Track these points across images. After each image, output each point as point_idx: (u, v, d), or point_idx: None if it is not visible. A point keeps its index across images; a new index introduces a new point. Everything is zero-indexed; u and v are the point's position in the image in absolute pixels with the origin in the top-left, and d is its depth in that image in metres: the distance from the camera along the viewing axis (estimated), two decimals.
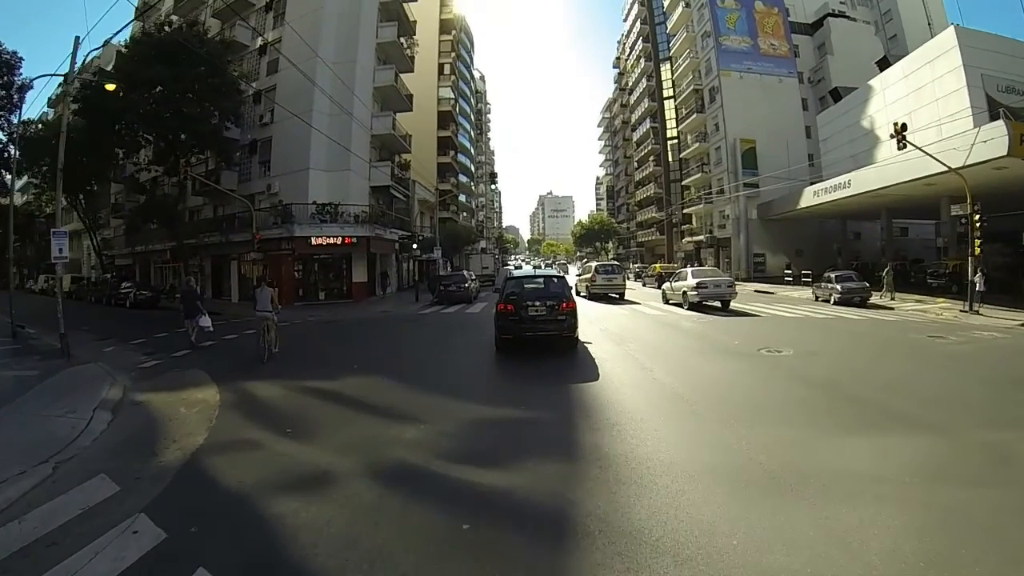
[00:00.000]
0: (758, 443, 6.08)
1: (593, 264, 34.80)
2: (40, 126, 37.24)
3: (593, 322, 18.21)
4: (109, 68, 32.29)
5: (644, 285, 43.95)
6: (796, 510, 4.46)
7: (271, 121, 32.25)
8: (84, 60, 19.09)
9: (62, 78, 25.47)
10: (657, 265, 49.67)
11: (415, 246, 33.33)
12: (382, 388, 9.62)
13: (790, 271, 39.82)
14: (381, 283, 35.48)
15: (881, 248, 36.93)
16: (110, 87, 23.64)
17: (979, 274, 20.56)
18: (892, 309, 22.74)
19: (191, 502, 5.08)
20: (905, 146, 20.15)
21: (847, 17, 54.94)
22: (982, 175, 21.81)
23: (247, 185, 33.15)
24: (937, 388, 8.77)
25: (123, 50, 30.35)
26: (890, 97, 34.89)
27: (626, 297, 29.17)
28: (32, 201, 57.51)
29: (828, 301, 25.48)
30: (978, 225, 20.57)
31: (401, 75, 38.70)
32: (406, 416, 7.59)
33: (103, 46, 18.63)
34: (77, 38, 16.18)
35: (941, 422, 6.88)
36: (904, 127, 19.97)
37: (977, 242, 20.53)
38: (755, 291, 35.06)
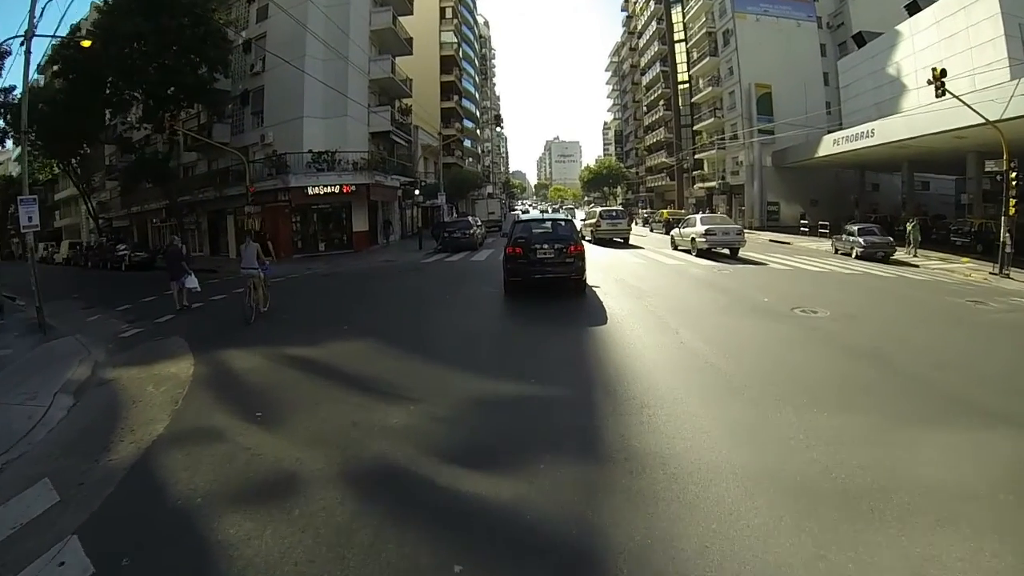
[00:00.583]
0: (817, 436, 5.05)
1: (598, 209, 35.79)
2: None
3: (607, 271, 17.28)
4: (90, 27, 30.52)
5: (652, 231, 43.14)
6: (882, 542, 3.47)
7: (262, 70, 30.62)
8: (61, 18, 17.70)
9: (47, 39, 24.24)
10: (665, 211, 48.46)
11: (417, 192, 31.83)
12: (371, 355, 8.66)
13: (806, 221, 38.43)
14: (384, 232, 34.36)
15: (901, 202, 35.32)
16: (85, 43, 22.24)
17: (1007, 235, 19.41)
18: (917, 267, 21.71)
19: (131, 520, 4.13)
20: (944, 93, 18.71)
21: None
22: (1018, 129, 20.39)
23: (240, 137, 31.72)
24: (1000, 367, 7.63)
25: (101, 5, 28.62)
26: (920, 44, 32.78)
27: (632, 242, 29.56)
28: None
29: (849, 255, 24.44)
30: (1014, 183, 19.28)
31: (400, 18, 36.76)
32: (395, 392, 6.59)
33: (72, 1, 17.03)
34: None
35: (1021, 415, 5.81)
36: (944, 73, 18.52)
37: (1012, 201, 19.27)
38: (770, 240, 33.91)
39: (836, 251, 26.27)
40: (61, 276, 32.72)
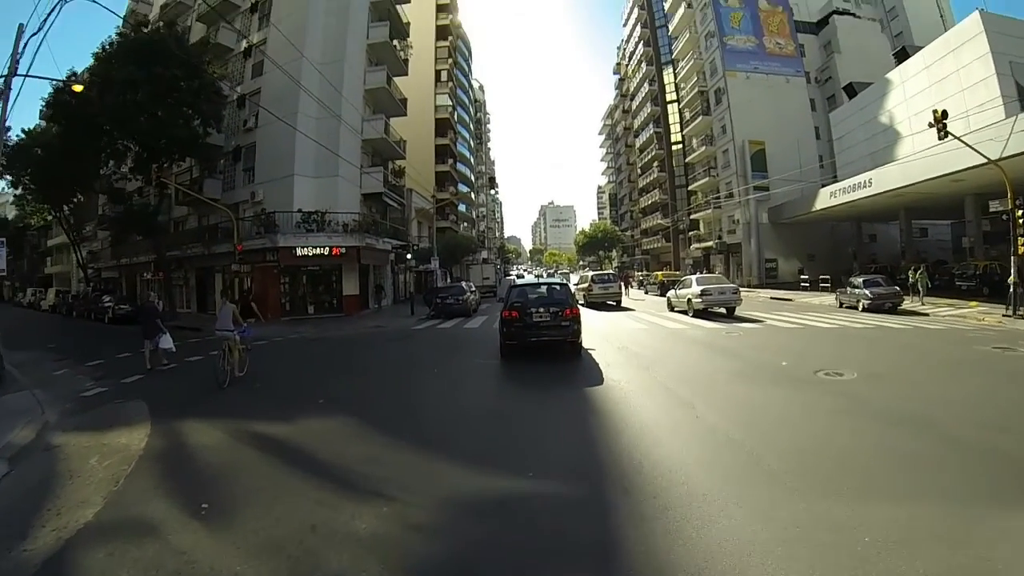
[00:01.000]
0: (884, 536, 3.99)
1: (590, 274, 36.67)
2: (22, 135, 35.49)
3: (607, 338, 16.32)
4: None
5: (647, 293, 43.00)
6: None
7: (255, 126, 30.39)
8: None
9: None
10: (660, 273, 48.74)
11: (409, 256, 31.07)
12: (346, 436, 7.55)
13: (806, 276, 37.91)
14: (375, 296, 33.44)
15: (901, 250, 34.97)
16: (77, 88, 21.94)
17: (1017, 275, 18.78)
18: (927, 315, 20.99)
19: None
20: (946, 135, 18.33)
21: (852, 15, 53.29)
22: (1020, 167, 20.01)
23: (231, 194, 31.29)
24: None
25: (100, 52, 28.60)
26: (910, 90, 33.03)
27: (626, 305, 30.27)
28: (20, 214, 56.37)
29: (855, 308, 23.86)
30: (1021, 221, 18.70)
31: (395, 79, 36.95)
32: (367, 486, 5.50)
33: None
34: (21, 26, 14.31)
35: None
36: (945, 114, 18.20)
37: (1021, 240, 18.65)
38: (771, 298, 33.17)
39: (841, 305, 25.72)
40: (43, 324, 32.07)
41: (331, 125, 28.29)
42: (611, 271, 47.94)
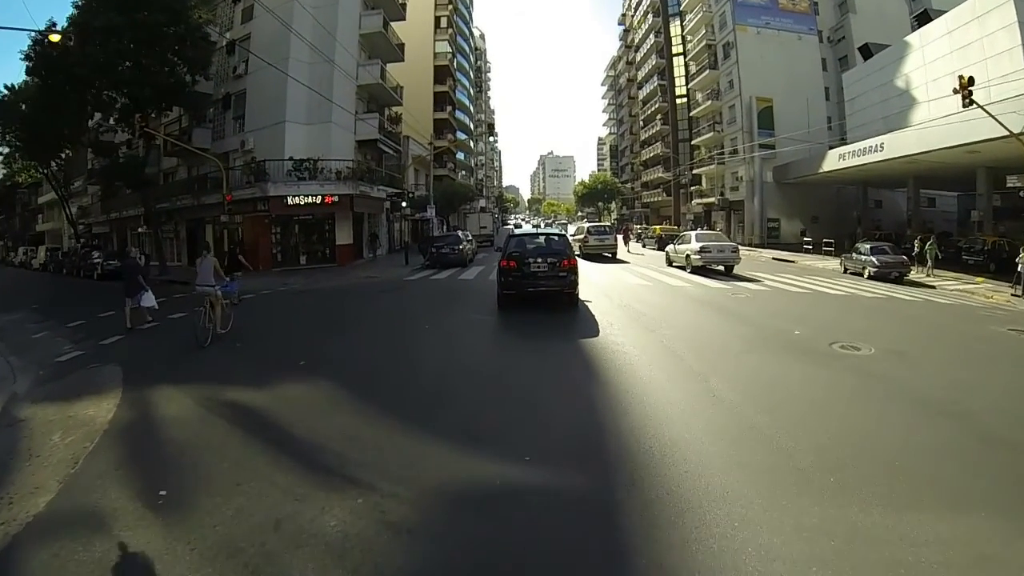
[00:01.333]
0: (940, 557, 3.45)
1: (586, 225, 37.27)
2: (5, 91, 33.87)
3: (609, 294, 15.60)
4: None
5: (644, 246, 42.38)
6: None
7: (245, 73, 29.21)
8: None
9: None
10: (658, 227, 48.09)
11: (405, 204, 30.06)
12: (323, 406, 6.92)
13: (809, 238, 37.13)
14: (370, 245, 32.74)
15: (907, 219, 34.12)
16: (54, 38, 20.78)
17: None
18: (934, 287, 20.49)
19: None
20: (971, 103, 17.41)
21: None
22: None
23: (221, 143, 30.30)
24: None
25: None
26: (930, 55, 31.53)
27: (622, 258, 30.31)
28: (8, 172, 54.98)
29: (861, 275, 23.35)
30: None
31: (392, 24, 35.55)
32: (341, 470, 4.90)
33: None
34: None
35: None
36: (972, 81, 17.20)
37: None
38: (773, 259, 32.59)
39: (845, 270, 25.21)
40: (31, 283, 31.40)
41: (324, 70, 27.15)
42: (607, 223, 47.75)
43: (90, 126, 32.62)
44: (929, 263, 23.61)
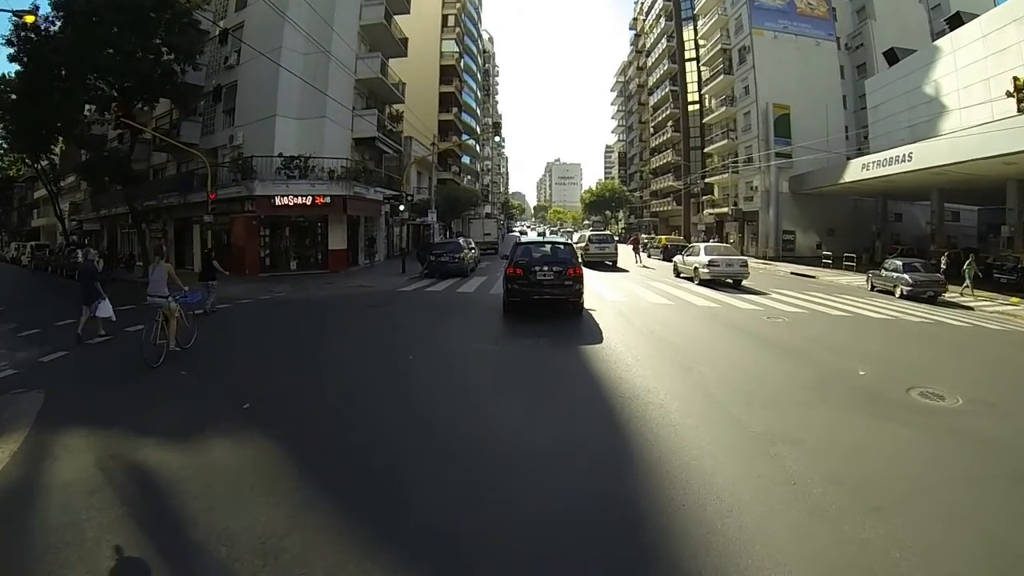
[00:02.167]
0: None
1: (587, 233, 38.51)
2: None
3: (630, 318, 13.71)
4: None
5: (649, 256, 40.83)
6: None
7: (237, 63, 27.52)
8: None
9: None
10: (663, 238, 47.54)
11: (403, 208, 28.10)
12: (249, 482, 4.94)
13: (828, 252, 35.21)
14: (368, 251, 30.95)
15: (930, 233, 32.31)
16: (29, 19, 19.40)
17: None
18: (972, 309, 18.94)
19: None
20: None
21: None
22: None
23: (210, 138, 28.65)
24: None
25: None
26: (963, 60, 29.72)
27: (623, 266, 30.60)
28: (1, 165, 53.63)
29: (891, 293, 21.81)
30: None
31: (396, 17, 33.94)
32: None
33: None
34: None
35: None
36: None
37: None
38: (792, 273, 30.77)
39: (873, 288, 23.58)
40: (12, 281, 29.78)
41: (320, 62, 25.39)
42: (609, 232, 46.65)
43: (84, 119, 30.88)
44: (968, 282, 21.85)
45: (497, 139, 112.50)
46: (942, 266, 23.14)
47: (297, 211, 25.13)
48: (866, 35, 47.28)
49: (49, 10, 23.49)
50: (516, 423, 6.59)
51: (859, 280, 26.44)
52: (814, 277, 28.73)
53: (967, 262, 22.29)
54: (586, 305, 14.13)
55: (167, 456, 5.53)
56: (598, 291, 18.34)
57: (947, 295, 20.95)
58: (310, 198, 24.22)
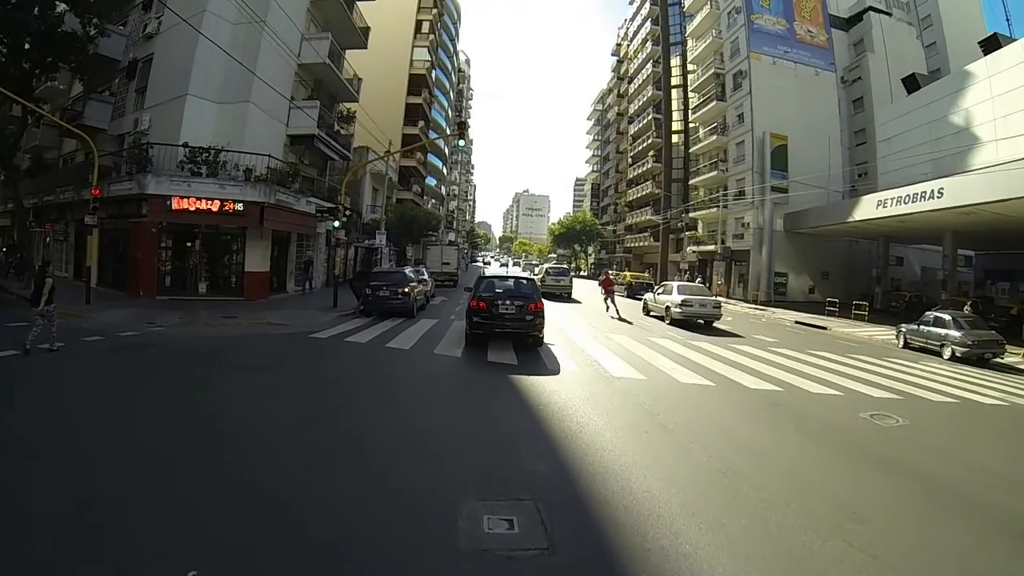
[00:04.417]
0: None
1: (545, 266, 41.07)
2: None
3: (670, 427, 8.62)
4: None
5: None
6: None
7: (157, 31, 22.23)
8: None
9: None
10: (628, 274, 48.72)
11: (336, 223, 22.07)
12: None
13: (836, 300, 30.90)
14: (301, 276, 25.70)
15: (942, 280, 28.53)
16: None
17: None
18: None
19: None
20: None
21: (887, 13, 46.90)
22: None
23: (120, 122, 23.37)
24: None
25: None
26: (1000, 87, 26.18)
27: (577, 297, 32.07)
28: None
29: (936, 354, 17.80)
30: None
31: (359, 3, 29.53)
32: None
33: None
34: None
35: None
36: None
37: None
38: (796, 323, 26.50)
39: (906, 345, 19.60)
40: None
41: (252, 34, 20.51)
42: (565, 266, 46.17)
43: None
44: None
45: (465, 157, 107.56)
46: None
47: (203, 218, 19.70)
48: (864, 68, 44.47)
49: None
50: None
51: (882, 333, 22.55)
52: (826, 328, 24.44)
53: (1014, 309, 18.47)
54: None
55: None
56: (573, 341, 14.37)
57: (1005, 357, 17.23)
58: (217, 203, 18.83)
